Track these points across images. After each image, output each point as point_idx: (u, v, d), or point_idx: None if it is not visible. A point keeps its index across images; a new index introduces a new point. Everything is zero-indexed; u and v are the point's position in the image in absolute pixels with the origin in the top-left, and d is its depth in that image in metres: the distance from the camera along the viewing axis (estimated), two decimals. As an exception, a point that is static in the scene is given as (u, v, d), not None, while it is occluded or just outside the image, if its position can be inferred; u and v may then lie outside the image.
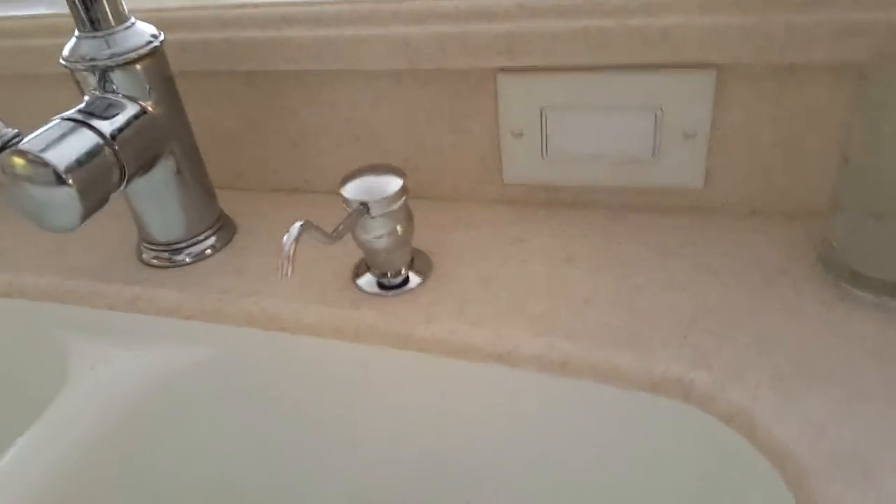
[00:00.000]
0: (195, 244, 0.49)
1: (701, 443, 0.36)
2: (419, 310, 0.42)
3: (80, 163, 0.38)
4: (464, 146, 0.50)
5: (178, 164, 0.46)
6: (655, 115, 0.44)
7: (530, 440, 0.42)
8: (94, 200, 0.39)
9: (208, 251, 0.49)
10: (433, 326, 0.40)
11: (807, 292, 0.40)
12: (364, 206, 0.40)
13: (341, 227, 0.37)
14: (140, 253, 0.49)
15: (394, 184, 0.40)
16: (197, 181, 0.48)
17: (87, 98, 0.42)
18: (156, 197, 0.46)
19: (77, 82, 0.42)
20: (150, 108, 0.43)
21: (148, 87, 0.43)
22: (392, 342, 0.41)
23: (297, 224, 0.33)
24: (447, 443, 0.45)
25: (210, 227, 0.49)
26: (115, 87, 0.42)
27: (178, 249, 0.48)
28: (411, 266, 0.44)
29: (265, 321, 0.43)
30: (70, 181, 0.37)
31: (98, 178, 0.39)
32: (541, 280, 0.43)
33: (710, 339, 0.38)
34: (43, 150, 0.37)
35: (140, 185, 0.45)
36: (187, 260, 0.48)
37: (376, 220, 0.40)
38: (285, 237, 0.33)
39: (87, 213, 0.39)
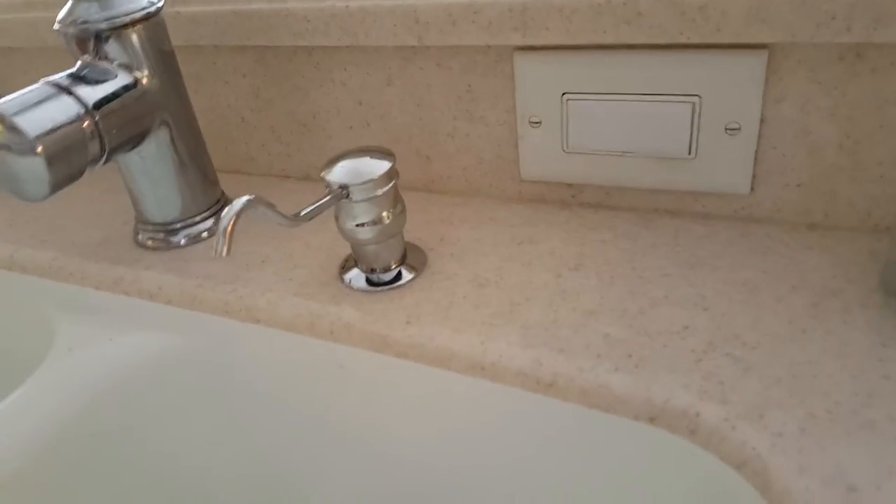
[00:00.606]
0: (191, 226, 0.46)
1: (702, 488, 0.30)
2: (401, 310, 0.37)
3: (53, 130, 0.36)
4: (479, 135, 0.45)
5: (173, 141, 0.44)
6: (693, 105, 0.38)
7: (511, 461, 0.37)
8: (65, 172, 0.37)
9: (204, 234, 0.47)
10: (411, 329, 0.36)
11: (860, 321, 0.33)
12: (344, 190, 0.36)
13: (310, 209, 0.34)
14: (136, 234, 0.47)
15: (380, 167, 0.36)
16: (193, 160, 0.45)
17: (78, 64, 0.41)
18: (148, 174, 0.44)
19: (71, 50, 0.41)
20: (143, 80, 0.41)
21: (143, 56, 0.41)
22: (368, 344, 0.37)
23: (243, 198, 0.30)
24: (422, 454, 0.40)
25: (208, 209, 0.47)
26: (107, 54, 0.40)
27: (174, 230, 0.46)
28: (403, 262, 0.40)
29: (240, 311, 0.40)
30: (38, 149, 0.36)
31: (72, 149, 0.37)
32: (542, 287, 0.38)
33: (730, 368, 0.31)
34: (14, 113, 0.36)
35: (132, 160, 0.44)
36: (182, 242, 0.46)
37: (359, 206, 0.37)
38: (225, 210, 0.30)
39: (58, 185, 0.37)
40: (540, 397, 0.33)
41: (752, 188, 0.40)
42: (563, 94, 0.41)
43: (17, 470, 0.37)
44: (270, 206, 0.31)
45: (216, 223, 0.47)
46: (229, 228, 0.29)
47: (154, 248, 0.46)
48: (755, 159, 0.39)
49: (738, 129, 0.38)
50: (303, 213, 0.33)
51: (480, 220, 0.44)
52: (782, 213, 0.40)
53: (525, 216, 0.44)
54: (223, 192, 0.49)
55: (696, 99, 0.38)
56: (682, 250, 0.39)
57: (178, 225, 0.46)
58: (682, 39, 0.36)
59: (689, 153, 0.40)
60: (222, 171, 0.56)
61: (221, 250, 0.29)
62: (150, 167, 0.44)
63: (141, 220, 0.47)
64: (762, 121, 0.38)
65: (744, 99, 0.37)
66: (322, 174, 0.36)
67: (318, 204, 0.35)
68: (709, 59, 0.37)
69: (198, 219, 0.47)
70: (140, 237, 0.47)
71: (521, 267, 0.39)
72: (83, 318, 0.44)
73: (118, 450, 0.41)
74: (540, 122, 0.43)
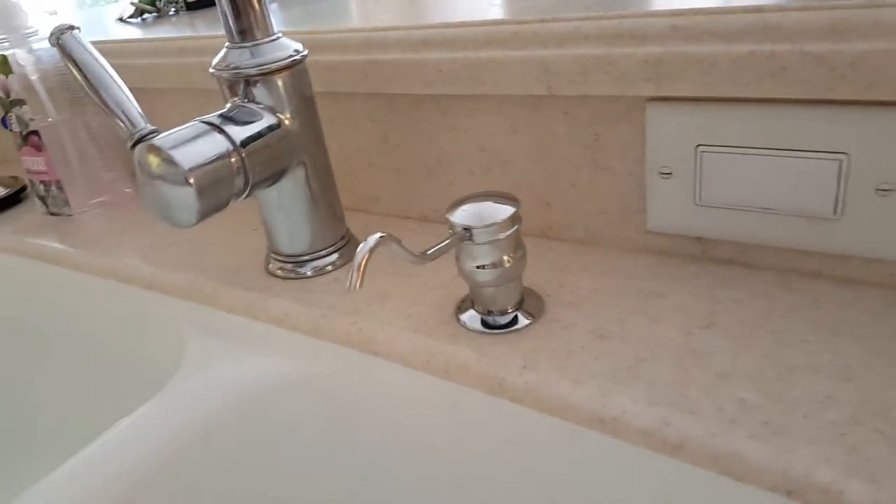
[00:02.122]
0: (318, 258, 0.48)
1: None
2: (517, 355, 0.37)
3: (205, 164, 0.39)
4: (604, 184, 0.45)
5: (308, 180, 0.46)
6: (840, 163, 0.36)
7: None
8: (213, 202, 0.40)
9: (329, 267, 0.49)
10: (528, 375, 0.35)
11: None
12: (467, 232, 0.36)
13: (435, 249, 0.34)
14: (267, 263, 0.50)
15: (504, 211, 0.37)
16: (324, 198, 0.47)
17: (228, 105, 0.44)
18: (283, 209, 0.47)
19: (222, 91, 0.44)
20: (286, 122, 0.44)
21: (286, 100, 0.44)
22: (483, 386, 0.37)
23: (376, 235, 0.31)
24: (532, 502, 0.39)
25: (334, 244, 0.49)
26: (254, 97, 0.44)
27: (302, 262, 0.48)
28: (520, 307, 0.40)
29: (360, 342, 0.41)
30: (191, 180, 0.39)
31: (220, 182, 0.40)
32: (669, 343, 0.36)
33: (879, 445, 0.29)
34: (172, 147, 0.39)
35: (270, 195, 0.46)
36: (309, 273, 0.48)
37: (481, 249, 0.37)
38: (360, 246, 0.31)
39: (205, 214, 0.40)
40: (665, 459, 0.31)
41: (904, 253, 0.37)
42: (698, 145, 0.40)
43: (139, 480, 0.38)
44: (399, 243, 0.32)
45: (340, 257, 0.49)
46: (363, 263, 0.30)
47: (283, 278, 0.48)
48: (909, 222, 0.37)
49: (891, 190, 0.36)
50: (429, 252, 0.34)
51: (602, 270, 0.44)
52: (940, 282, 0.37)
53: (650, 268, 0.43)
54: (348, 229, 0.51)
55: (843, 157, 0.36)
56: (823, 315, 0.37)
57: (307, 257, 0.48)
58: (829, 95, 0.35)
59: (835, 213, 0.38)
60: (347, 208, 0.58)
61: (355, 283, 0.30)
62: (286, 203, 0.46)
63: (273, 251, 0.49)
64: (919, 181, 0.35)
65: (898, 158, 0.35)
66: (446, 215, 0.37)
67: (442, 244, 0.35)
68: (858, 116, 0.35)
69: (323, 252, 0.48)
70: (270, 266, 0.49)
71: (645, 321, 0.38)
72: (213, 339, 0.46)
73: (235, 467, 0.43)
74: (671, 174, 0.42)
